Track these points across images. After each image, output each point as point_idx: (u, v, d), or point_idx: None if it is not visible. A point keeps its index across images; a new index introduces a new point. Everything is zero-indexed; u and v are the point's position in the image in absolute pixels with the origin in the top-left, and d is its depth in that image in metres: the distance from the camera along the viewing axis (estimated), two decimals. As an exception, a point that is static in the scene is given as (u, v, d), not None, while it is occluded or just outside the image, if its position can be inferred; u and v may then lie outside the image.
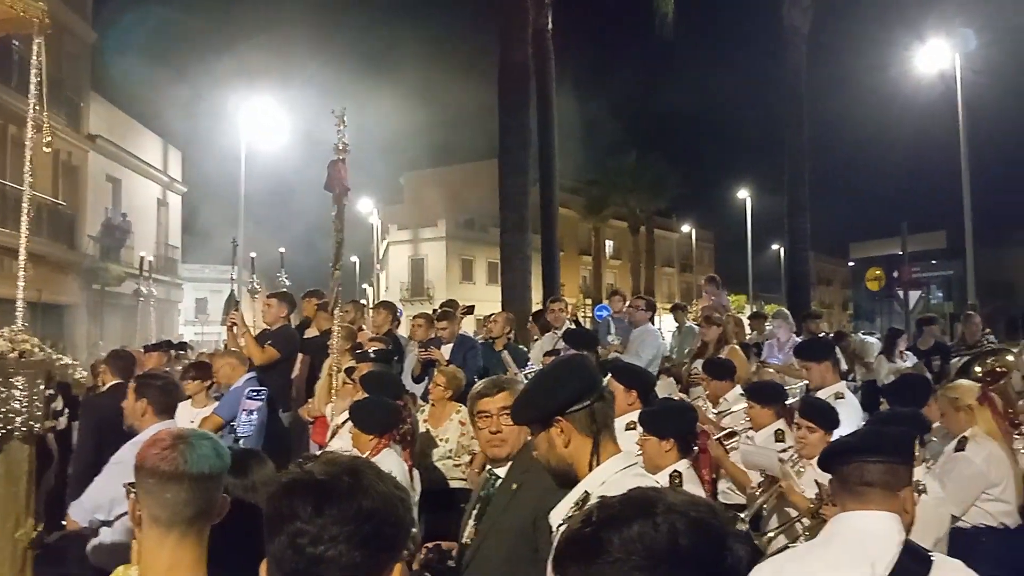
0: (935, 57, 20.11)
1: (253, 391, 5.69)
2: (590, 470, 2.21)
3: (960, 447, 4.33)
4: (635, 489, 1.26)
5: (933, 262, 30.38)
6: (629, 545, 1.12)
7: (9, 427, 4.03)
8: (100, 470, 4.34)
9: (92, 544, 4.14)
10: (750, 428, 5.17)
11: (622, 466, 2.23)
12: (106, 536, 4.10)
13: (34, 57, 4.43)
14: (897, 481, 2.30)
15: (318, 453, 5.54)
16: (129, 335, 19.34)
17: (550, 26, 17.68)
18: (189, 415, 5.87)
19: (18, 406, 4.10)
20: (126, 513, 3.73)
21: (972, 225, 18.95)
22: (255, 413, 5.59)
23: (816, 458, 3.99)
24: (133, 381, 4.73)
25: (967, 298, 19.79)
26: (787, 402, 5.31)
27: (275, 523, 1.41)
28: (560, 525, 2.17)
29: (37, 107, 4.43)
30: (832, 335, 10.23)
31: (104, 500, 4.06)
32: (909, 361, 9.11)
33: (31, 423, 4.18)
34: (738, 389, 6.07)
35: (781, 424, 4.97)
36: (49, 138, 4.47)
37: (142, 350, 8.56)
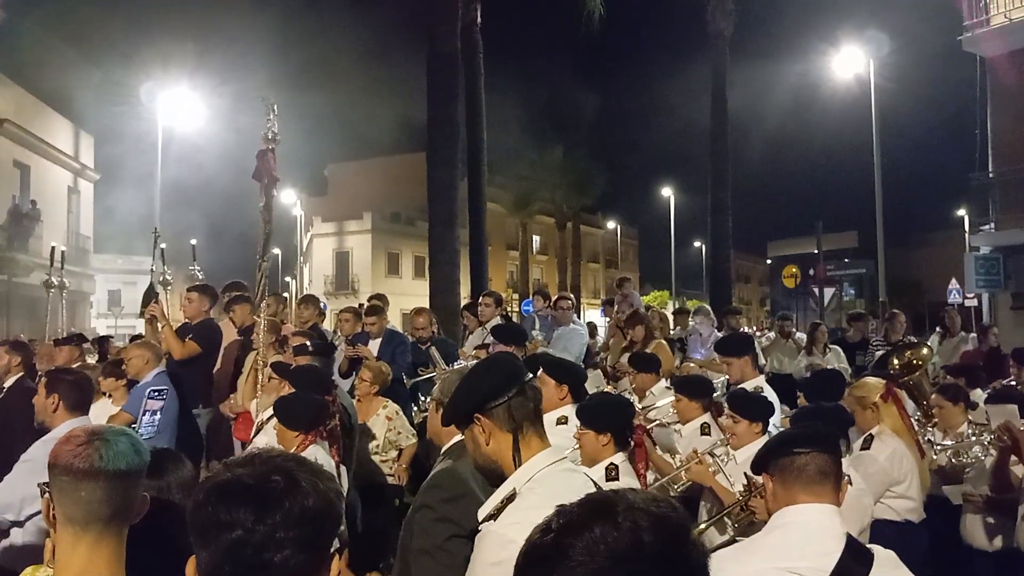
0: (850, 61, 20.81)
1: (155, 390, 5.51)
2: (508, 467, 2.22)
3: (866, 445, 4.44)
4: (594, 493, 1.25)
5: (846, 260, 31.49)
6: (592, 547, 1.10)
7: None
8: (8, 467, 4.15)
9: (2, 545, 3.94)
10: (677, 422, 5.25)
11: (550, 461, 2.23)
12: (17, 537, 3.92)
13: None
14: (842, 474, 2.37)
15: (243, 451, 5.41)
16: (38, 328, 18.47)
17: (479, 20, 17.63)
18: (109, 413, 5.65)
19: None
20: (38, 513, 3.59)
21: (883, 226, 19.71)
22: (158, 413, 5.41)
23: (741, 448, 4.13)
24: (44, 376, 4.53)
25: (878, 295, 20.60)
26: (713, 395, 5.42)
27: (209, 532, 1.35)
28: (484, 520, 2.17)
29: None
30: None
31: (14, 500, 3.88)
32: (832, 356, 9.48)
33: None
34: (664, 382, 6.17)
35: (707, 418, 5.05)
36: None
37: (53, 344, 8.16)
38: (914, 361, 5.72)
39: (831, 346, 9.68)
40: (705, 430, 4.99)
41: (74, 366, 6.20)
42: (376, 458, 6.06)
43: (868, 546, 2.29)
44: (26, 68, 26.64)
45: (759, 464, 2.57)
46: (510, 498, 2.13)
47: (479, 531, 2.17)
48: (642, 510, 1.14)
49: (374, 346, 7.60)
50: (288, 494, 1.35)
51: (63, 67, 29.30)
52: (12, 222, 24.00)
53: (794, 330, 10.90)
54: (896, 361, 5.73)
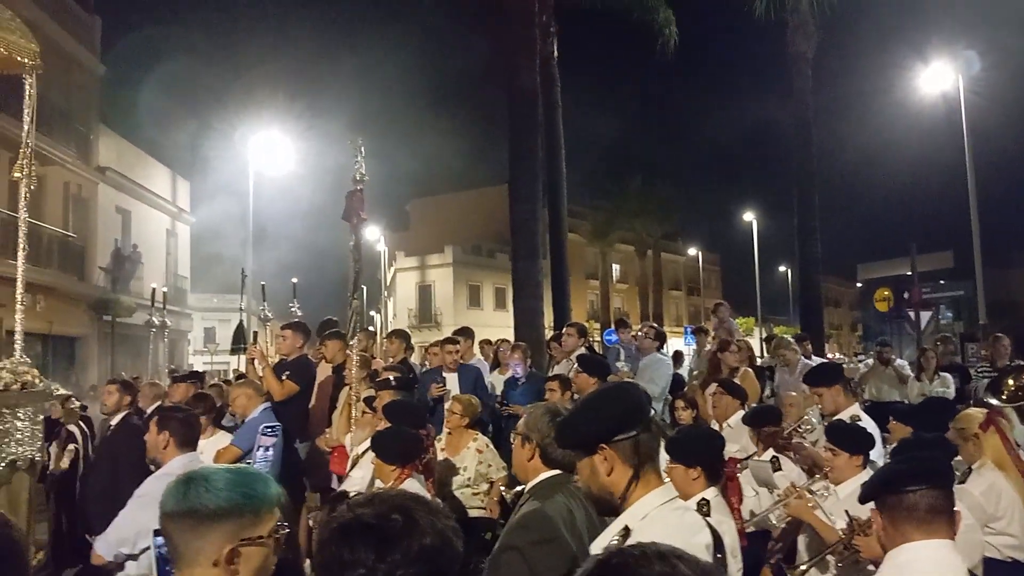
0: (937, 78, 20.21)
1: (268, 427, 5.70)
2: (623, 500, 2.20)
3: (962, 479, 4.20)
4: (608, 561, 1.24)
5: (941, 282, 30.24)
6: None
7: (12, 458, 4.04)
8: (116, 501, 4.34)
9: (118, 578, 4.13)
10: (754, 453, 5.15)
11: (663, 500, 2.21)
12: (131, 570, 4.09)
13: (26, 96, 4.54)
14: (954, 507, 2.31)
15: (340, 484, 5.54)
16: (140, 366, 19.37)
17: (556, 53, 17.82)
18: (217, 447, 5.88)
19: (20, 436, 4.11)
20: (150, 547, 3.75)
21: (980, 245, 18.90)
22: (271, 449, 5.60)
23: (842, 483, 3.99)
24: (155, 414, 4.75)
25: (977, 318, 19.72)
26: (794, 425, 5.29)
27: (333, 571, 1.41)
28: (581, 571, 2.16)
29: (30, 142, 4.55)
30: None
31: (129, 534, 4.05)
32: (947, 384, 9.20)
33: (33, 453, 4.19)
34: (739, 415, 6.06)
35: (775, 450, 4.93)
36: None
37: (170, 381, 8.59)
38: (1031, 384, 5.42)
39: (941, 373, 9.39)
40: (776, 465, 4.86)
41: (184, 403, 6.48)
42: (468, 491, 6.08)
43: None
44: (126, 118, 28.19)
45: (868, 497, 2.50)
46: (624, 535, 2.12)
47: None
48: None
49: (452, 379, 7.72)
50: (407, 532, 1.40)
51: (161, 116, 30.95)
52: (115, 265, 25.15)
53: (893, 357, 10.57)
54: (1011, 382, 5.44)
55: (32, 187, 4.57)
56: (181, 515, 1.81)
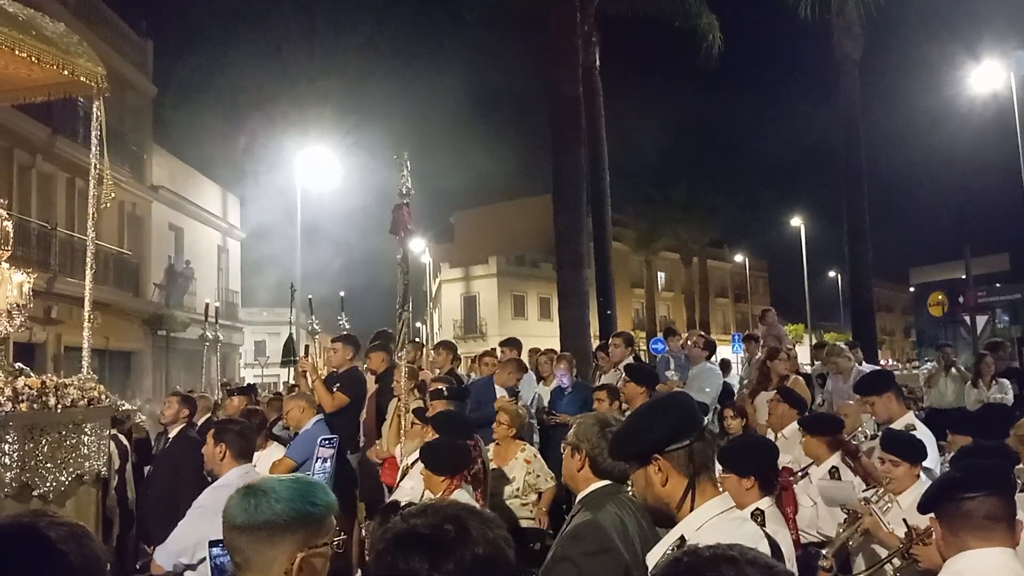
0: (988, 77, 19.83)
1: (326, 439, 5.78)
2: (678, 510, 2.19)
3: (1022, 488, 4.13)
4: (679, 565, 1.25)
5: (997, 285, 29.37)
6: None
7: (79, 472, 4.14)
8: (174, 512, 4.44)
9: (178, 588, 4.21)
10: (811, 464, 5.05)
11: (720, 510, 2.19)
12: (191, 579, 4.18)
13: (94, 118, 4.69)
14: (1014, 514, 2.27)
15: (391, 495, 5.60)
16: (194, 379, 19.78)
17: (597, 63, 17.83)
18: (271, 459, 5.99)
19: (86, 451, 4.22)
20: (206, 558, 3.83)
21: (1039, 246, 18.37)
22: (328, 461, 5.67)
23: (902, 493, 3.92)
24: (212, 427, 4.85)
25: (1035, 323, 19.20)
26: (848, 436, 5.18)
27: None
28: (654, 569, 2.16)
29: (99, 163, 4.68)
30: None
31: (188, 544, 4.13)
32: (1005, 390, 8.98)
33: (99, 468, 4.29)
34: (795, 424, 5.96)
35: (836, 460, 4.81)
36: (112, 195, 4.68)
37: (224, 394, 8.76)
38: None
39: (998, 379, 9.18)
40: (834, 474, 4.76)
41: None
42: (516, 501, 6.10)
43: None
44: (178, 138, 28.91)
45: (926, 506, 2.47)
46: (680, 546, 2.11)
47: None
48: None
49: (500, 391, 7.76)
50: (460, 542, 1.41)
51: (211, 135, 31.70)
52: (169, 281, 25.75)
53: (955, 359, 10.37)
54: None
55: (104, 206, 4.70)
56: (254, 527, 1.84)
